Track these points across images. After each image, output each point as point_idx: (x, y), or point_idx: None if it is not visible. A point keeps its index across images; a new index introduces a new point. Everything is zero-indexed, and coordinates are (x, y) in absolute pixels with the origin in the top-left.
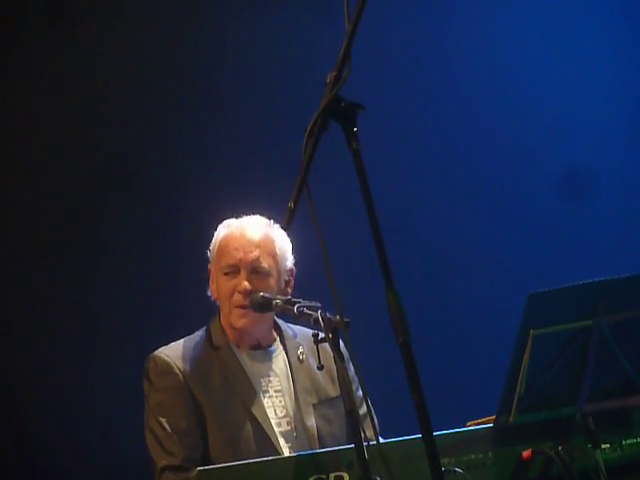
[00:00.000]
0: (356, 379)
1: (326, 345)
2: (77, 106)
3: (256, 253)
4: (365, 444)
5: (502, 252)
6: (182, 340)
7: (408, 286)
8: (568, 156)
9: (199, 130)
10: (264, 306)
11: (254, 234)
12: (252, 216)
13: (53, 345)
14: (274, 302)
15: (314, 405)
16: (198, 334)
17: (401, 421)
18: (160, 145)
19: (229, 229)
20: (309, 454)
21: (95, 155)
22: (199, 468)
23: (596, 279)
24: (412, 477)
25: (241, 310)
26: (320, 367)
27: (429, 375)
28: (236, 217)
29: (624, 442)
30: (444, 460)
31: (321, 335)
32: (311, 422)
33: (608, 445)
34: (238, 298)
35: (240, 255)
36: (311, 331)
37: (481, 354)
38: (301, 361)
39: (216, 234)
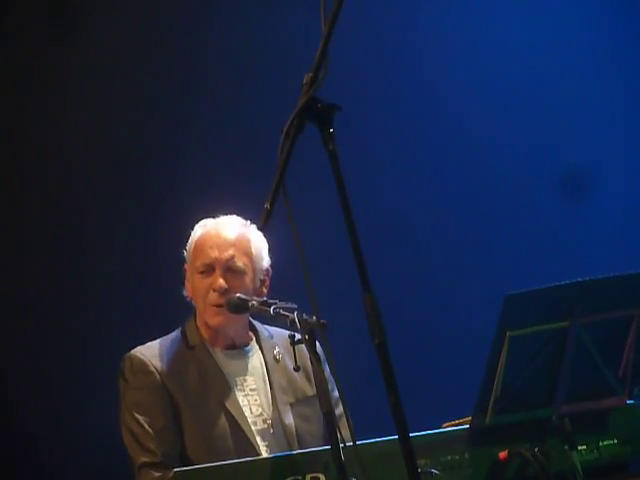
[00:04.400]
0: (332, 379)
1: (302, 345)
2: (74, 107)
3: (231, 252)
4: (341, 445)
5: (495, 254)
6: (157, 340)
7: (386, 287)
8: (567, 156)
9: (184, 131)
10: (240, 307)
11: (230, 233)
12: (228, 216)
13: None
14: (250, 303)
15: (291, 404)
16: (173, 334)
17: (377, 422)
18: (153, 144)
19: (205, 228)
20: (285, 455)
21: (88, 155)
22: (175, 469)
23: (572, 280)
24: (388, 478)
25: (216, 308)
26: (297, 368)
27: (405, 376)
28: (213, 217)
29: (601, 443)
30: (420, 461)
31: (298, 337)
32: (289, 420)
33: (585, 446)
34: (213, 297)
35: (215, 254)
36: (287, 332)
37: (458, 355)
38: (277, 361)
39: (192, 234)
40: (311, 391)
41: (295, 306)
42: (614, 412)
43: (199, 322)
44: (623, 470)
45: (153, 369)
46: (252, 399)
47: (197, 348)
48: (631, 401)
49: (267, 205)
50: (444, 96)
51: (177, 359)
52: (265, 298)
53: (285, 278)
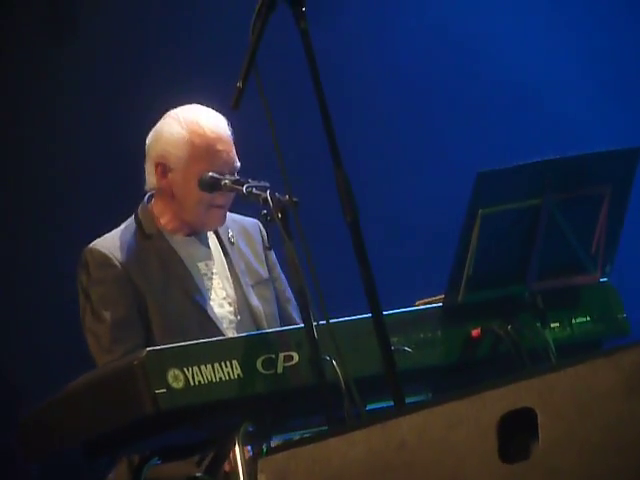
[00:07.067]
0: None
1: (250, 228)
2: (76, 108)
3: (237, 165)
4: (315, 324)
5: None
6: (114, 231)
7: (360, 162)
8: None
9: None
10: (213, 186)
11: (225, 134)
12: (211, 112)
13: None
14: (223, 182)
15: (252, 286)
16: (128, 223)
17: (351, 301)
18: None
19: (199, 128)
20: (259, 334)
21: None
22: (148, 349)
23: (544, 158)
24: (361, 356)
25: (220, 215)
26: (269, 247)
27: (378, 254)
28: (192, 112)
29: (573, 320)
30: (393, 339)
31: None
32: (255, 302)
33: (557, 324)
34: (217, 212)
35: (226, 170)
36: (239, 216)
37: (431, 232)
38: (232, 243)
39: (179, 130)
40: (265, 274)
41: (267, 184)
42: (587, 290)
43: (164, 210)
44: (596, 348)
45: (116, 262)
46: (215, 283)
47: (154, 237)
48: (604, 279)
49: (239, 84)
50: (453, 95)
51: (137, 249)
52: (238, 177)
53: (258, 158)
